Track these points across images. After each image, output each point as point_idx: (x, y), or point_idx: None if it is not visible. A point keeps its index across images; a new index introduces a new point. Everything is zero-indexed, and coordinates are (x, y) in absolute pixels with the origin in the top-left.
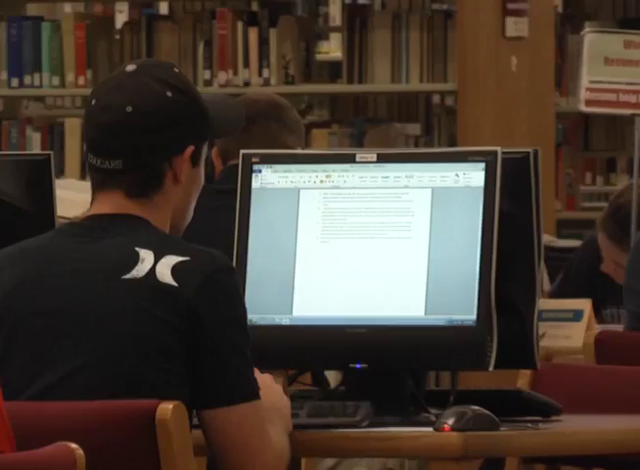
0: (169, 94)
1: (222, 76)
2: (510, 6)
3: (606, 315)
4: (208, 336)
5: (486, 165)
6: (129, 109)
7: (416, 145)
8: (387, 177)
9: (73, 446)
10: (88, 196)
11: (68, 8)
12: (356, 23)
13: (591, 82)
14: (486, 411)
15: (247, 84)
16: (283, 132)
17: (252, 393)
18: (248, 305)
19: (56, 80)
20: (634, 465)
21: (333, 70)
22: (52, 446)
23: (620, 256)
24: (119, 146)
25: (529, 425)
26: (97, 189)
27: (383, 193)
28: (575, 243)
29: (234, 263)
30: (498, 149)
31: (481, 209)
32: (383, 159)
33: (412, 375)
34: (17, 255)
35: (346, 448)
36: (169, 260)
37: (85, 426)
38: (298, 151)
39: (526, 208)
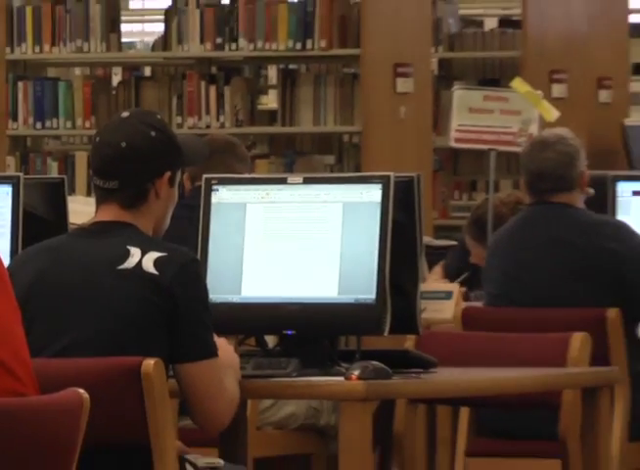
0: (153, 134)
1: (190, 121)
2: (399, 70)
3: (473, 296)
4: (181, 311)
5: (383, 186)
6: (124, 144)
7: (331, 171)
8: (310, 194)
9: (81, 391)
10: (92, 208)
11: (77, 71)
12: (288, 82)
13: (459, 126)
14: (383, 365)
15: (208, 127)
16: (235, 162)
17: (212, 352)
18: (208, 288)
19: (69, 124)
20: (490, 403)
21: (271, 117)
22: (65, 390)
23: (482, 251)
24: (116, 171)
25: (414, 375)
26: (99, 203)
27: (307, 206)
28: (447, 243)
29: (199, 257)
30: (391, 174)
31: (379, 218)
32: (307, 181)
33: (329, 339)
34: (39, 251)
35: (280, 392)
36: (152, 255)
37: (90, 376)
38: (246, 175)
39: (412, 217)
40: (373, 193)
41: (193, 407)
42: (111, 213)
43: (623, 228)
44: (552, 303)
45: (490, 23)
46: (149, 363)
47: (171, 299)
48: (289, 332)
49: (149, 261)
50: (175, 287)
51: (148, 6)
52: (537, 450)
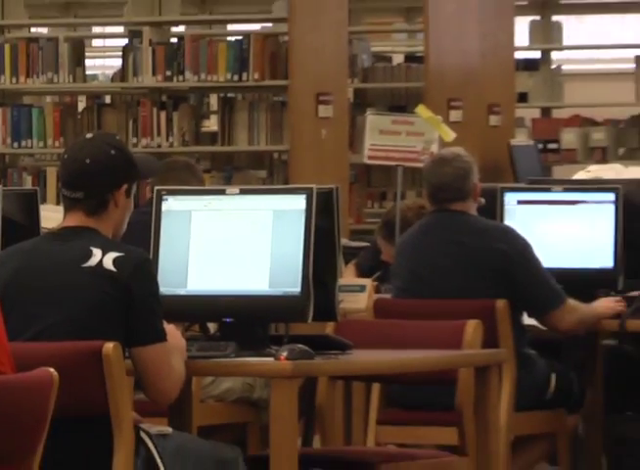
0: (113, 152)
1: (144, 141)
2: (321, 98)
3: (384, 289)
4: (136, 302)
5: (307, 196)
6: (88, 161)
7: (263, 183)
8: (245, 203)
9: (51, 370)
10: (61, 215)
11: (48, 99)
12: (227, 108)
13: (371, 145)
14: (307, 348)
15: (159, 146)
16: (191, 178)
17: (162, 337)
18: (159, 283)
19: (41, 144)
20: (397, 379)
21: (212, 138)
22: (38, 370)
23: (392, 250)
24: (81, 184)
25: (333, 356)
26: (66, 210)
27: (243, 213)
28: (361, 244)
29: (151, 257)
30: (314, 186)
31: (304, 223)
32: (243, 192)
33: (261, 326)
34: (15, 252)
35: (220, 371)
36: (111, 255)
37: (59, 357)
38: (191, 187)
39: (332, 222)
40: (298, 202)
41: (145, 384)
42: (76, 220)
43: (510, 232)
44: (449, 295)
45: (398, 59)
46: (109, 346)
47: (127, 292)
48: (227, 320)
49: (108, 260)
50: (131, 282)
51: (108, 44)
52: (437, 419)
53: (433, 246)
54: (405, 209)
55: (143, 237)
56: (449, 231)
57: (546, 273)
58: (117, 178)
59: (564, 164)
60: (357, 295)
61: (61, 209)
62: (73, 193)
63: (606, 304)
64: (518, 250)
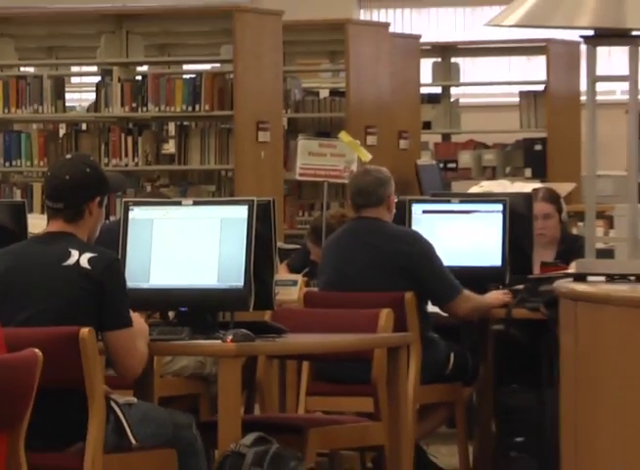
0: (88, 170)
1: (114, 161)
2: (260, 125)
3: (312, 284)
4: (107, 295)
5: (248, 207)
6: (67, 177)
7: (212, 196)
8: (197, 212)
9: (37, 350)
10: (44, 222)
11: (34, 126)
12: (183, 134)
13: (302, 164)
14: (248, 332)
15: (126, 165)
16: (155, 193)
17: (128, 323)
18: (126, 278)
19: (28, 163)
20: (324, 358)
21: (170, 158)
22: (25, 350)
23: (319, 251)
24: (62, 196)
25: (270, 339)
26: (49, 218)
27: (195, 221)
28: (293, 246)
29: (120, 257)
30: (255, 198)
31: (246, 229)
32: (195, 203)
33: (211, 314)
34: (6, 252)
35: (177, 351)
36: (86, 255)
37: (43, 340)
38: (154, 199)
39: (269, 228)
40: (242, 212)
41: (115, 362)
42: (57, 226)
43: (417, 237)
44: (366, 289)
45: (324, 93)
46: (84, 331)
47: (100, 286)
48: (183, 309)
49: (84, 260)
50: (103, 278)
51: (84, 81)
52: (357, 391)
53: (353, 248)
54: (329, 217)
55: (112, 241)
56: (367, 236)
57: (446, 270)
58: (92, 192)
59: (460, 180)
60: (290, 288)
61: (45, 217)
62: (55, 204)
63: (495, 295)
64: (423, 252)
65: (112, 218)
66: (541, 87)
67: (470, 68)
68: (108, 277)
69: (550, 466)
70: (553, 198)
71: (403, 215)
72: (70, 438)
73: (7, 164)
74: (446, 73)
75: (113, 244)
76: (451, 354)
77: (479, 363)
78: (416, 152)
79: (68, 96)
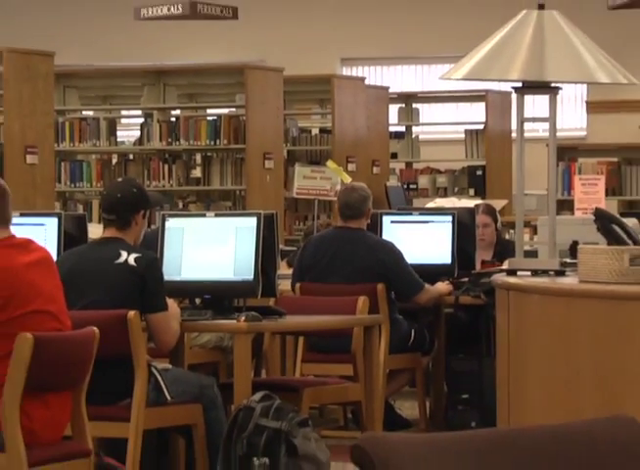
0: (134, 190)
1: (154, 183)
2: (266, 156)
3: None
4: (148, 286)
5: (257, 218)
6: (118, 195)
7: (229, 210)
8: (219, 223)
9: (95, 328)
10: (100, 230)
11: (93, 156)
12: (206, 162)
13: (298, 186)
14: (257, 314)
15: (163, 186)
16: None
17: (164, 307)
18: (163, 272)
19: (89, 185)
20: (316, 333)
21: (197, 181)
22: (85, 328)
23: None
24: (114, 210)
25: (274, 319)
26: (104, 227)
27: (217, 229)
28: (291, 248)
29: (158, 256)
30: (262, 212)
31: (255, 235)
32: (217, 215)
33: (228, 300)
34: (72, 253)
35: (202, 328)
36: (133, 255)
37: (99, 321)
38: (185, 212)
39: (273, 234)
40: (252, 222)
41: (154, 338)
42: (110, 233)
43: (389, 246)
44: (348, 282)
45: (315, 131)
46: (131, 314)
47: (143, 279)
48: (206, 296)
49: (131, 259)
50: (145, 273)
51: (131, 122)
52: (340, 359)
53: (339, 250)
54: (319, 225)
55: (152, 245)
56: (350, 244)
57: (412, 271)
58: (137, 207)
59: (420, 198)
60: (288, 281)
61: (101, 226)
62: (109, 216)
63: (442, 286)
64: (395, 261)
65: (152, 227)
66: (481, 126)
67: (427, 111)
68: (149, 272)
69: (488, 416)
70: (490, 211)
71: (376, 224)
72: (120, 395)
73: (72, 185)
74: (409, 116)
75: (153, 246)
76: (412, 331)
77: (434, 338)
78: (385, 176)
79: (119, 133)
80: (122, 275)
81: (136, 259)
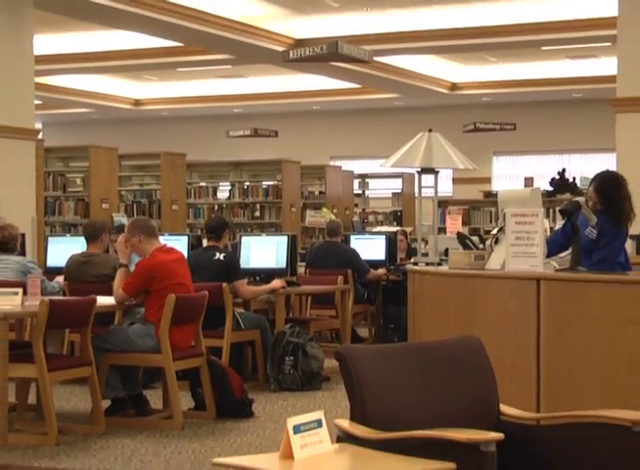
0: (222, 221)
1: (234, 219)
2: (292, 205)
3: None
4: (232, 269)
5: (288, 237)
6: (214, 223)
7: (274, 231)
8: (268, 238)
9: (205, 292)
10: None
11: (205, 205)
12: (262, 209)
13: (308, 221)
14: (286, 284)
15: (240, 220)
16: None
17: (242, 277)
18: (240, 263)
19: (202, 220)
20: (316, 294)
21: (257, 218)
22: (201, 292)
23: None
24: (213, 230)
25: (296, 286)
26: (207, 240)
27: (267, 242)
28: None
29: (236, 255)
30: (289, 233)
31: (287, 246)
32: (267, 234)
33: (272, 277)
34: (193, 254)
35: (260, 292)
36: (222, 254)
37: (208, 288)
38: (250, 233)
39: (295, 245)
40: (285, 239)
41: (238, 293)
42: (210, 243)
43: (353, 250)
44: (333, 270)
45: (316, 193)
46: (224, 284)
47: (227, 266)
48: (262, 276)
49: (222, 256)
50: (230, 264)
51: (224, 188)
52: (328, 307)
53: (327, 254)
54: (318, 242)
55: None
56: (333, 249)
57: (364, 263)
58: (224, 229)
59: (369, 226)
60: (303, 268)
61: (205, 240)
62: (210, 234)
63: (374, 273)
64: (355, 257)
65: (235, 240)
66: (400, 190)
67: (373, 183)
68: (232, 263)
69: (404, 336)
70: (404, 233)
71: (347, 239)
72: (218, 325)
73: (194, 220)
74: (364, 185)
75: (233, 251)
76: (365, 293)
77: (376, 296)
78: (351, 215)
79: (218, 194)
80: (218, 265)
81: (224, 257)
